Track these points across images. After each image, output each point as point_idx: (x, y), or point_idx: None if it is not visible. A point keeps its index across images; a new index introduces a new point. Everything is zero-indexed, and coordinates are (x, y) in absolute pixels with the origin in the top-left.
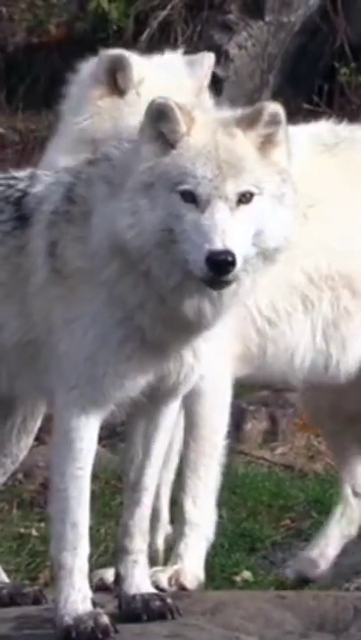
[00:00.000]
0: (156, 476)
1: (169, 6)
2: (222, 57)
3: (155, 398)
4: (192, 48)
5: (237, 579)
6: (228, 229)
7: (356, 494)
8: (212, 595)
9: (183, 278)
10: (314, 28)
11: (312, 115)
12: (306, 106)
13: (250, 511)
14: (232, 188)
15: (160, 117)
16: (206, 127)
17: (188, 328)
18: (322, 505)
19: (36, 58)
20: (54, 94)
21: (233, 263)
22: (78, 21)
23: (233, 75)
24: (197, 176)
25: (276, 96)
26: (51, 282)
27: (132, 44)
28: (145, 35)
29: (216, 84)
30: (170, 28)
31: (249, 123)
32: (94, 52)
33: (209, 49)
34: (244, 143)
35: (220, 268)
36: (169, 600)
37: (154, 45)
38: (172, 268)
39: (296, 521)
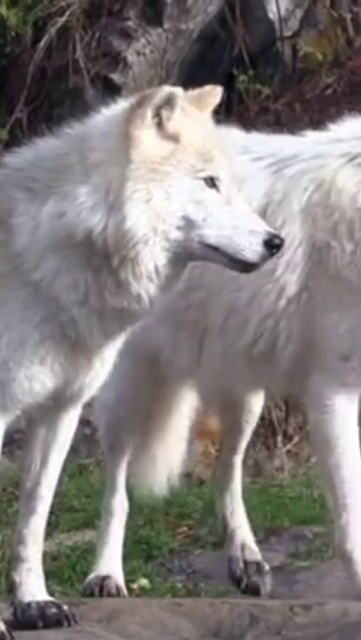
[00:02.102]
0: (53, 485)
1: (67, 12)
2: (120, 63)
3: (57, 405)
4: (91, 55)
5: (134, 586)
6: None
7: None
8: (108, 602)
9: (165, 263)
10: (212, 36)
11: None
12: None
13: (146, 518)
14: (236, 175)
15: (165, 105)
16: (194, 113)
17: (126, 318)
18: None
19: None
20: None
21: (283, 244)
22: None
23: (131, 81)
24: (219, 162)
25: None
26: None
27: (30, 50)
28: (43, 41)
29: (114, 91)
30: (68, 35)
31: (205, 105)
32: None
33: (107, 55)
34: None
35: (278, 248)
36: (65, 607)
37: (52, 51)
38: (159, 253)
39: (193, 528)
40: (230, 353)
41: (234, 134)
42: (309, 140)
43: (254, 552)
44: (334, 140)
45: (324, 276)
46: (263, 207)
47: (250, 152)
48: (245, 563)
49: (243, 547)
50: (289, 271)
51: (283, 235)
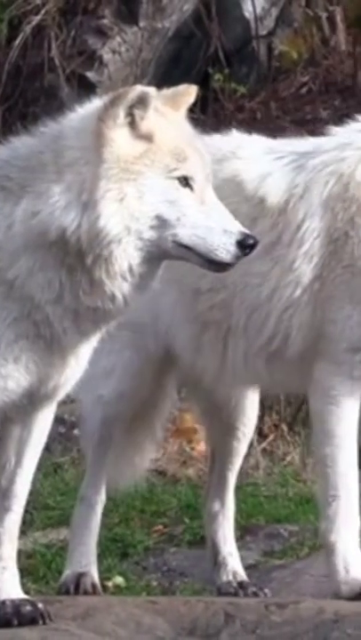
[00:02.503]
0: (28, 483)
1: (43, 11)
2: (96, 62)
3: (32, 403)
4: (66, 53)
5: (109, 584)
6: None
7: None
8: (83, 600)
9: (139, 262)
10: (188, 34)
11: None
12: None
13: (122, 516)
14: (211, 174)
15: (138, 104)
16: (168, 112)
17: (101, 317)
18: (194, 510)
19: None
20: None
21: (257, 244)
22: None
23: (107, 80)
24: (193, 162)
25: None
26: None
27: (5, 48)
28: (18, 39)
29: (89, 89)
30: (43, 33)
31: (180, 104)
32: None
33: (82, 53)
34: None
35: (251, 249)
36: (40, 605)
37: (27, 50)
38: (133, 252)
39: (168, 526)
40: (251, 352)
41: (257, 138)
42: (331, 134)
43: (244, 577)
44: (356, 130)
45: (339, 267)
46: (284, 202)
47: (273, 152)
48: (239, 584)
49: (234, 574)
50: (306, 262)
51: (303, 228)
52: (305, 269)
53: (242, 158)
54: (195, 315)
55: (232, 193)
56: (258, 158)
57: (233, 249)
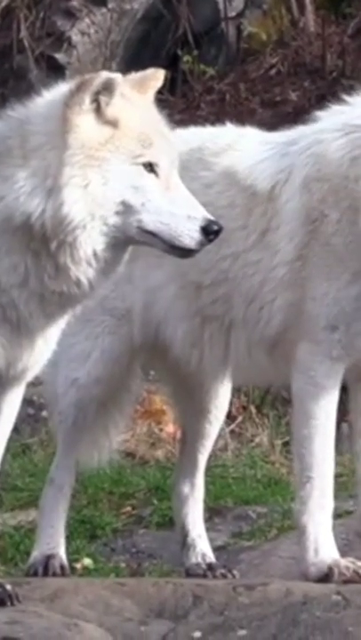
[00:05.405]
0: None
1: None
2: (65, 43)
3: (0, 384)
4: (35, 34)
5: (77, 566)
6: None
7: None
8: (51, 581)
9: (104, 247)
10: (157, 16)
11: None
12: None
13: (90, 498)
14: (177, 160)
15: (103, 90)
16: (134, 98)
17: (67, 301)
18: (163, 492)
19: None
20: None
21: (221, 230)
22: None
23: (75, 61)
24: (158, 148)
25: None
26: None
27: None
28: None
29: (58, 71)
30: (13, 14)
31: (147, 88)
32: None
33: (51, 35)
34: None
35: (215, 235)
36: (8, 587)
37: None
38: (98, 238)
39: (137, 508)
40: (253, 343)
41: (254, 131)
42: (314, 120)
43: (212, 558)
44: (334, 114)
45: (317, 246)
46: (271, 188)
47: (268, 144)
48: (208, 565)
49: (203, 556)
50: (287, 242)
51: (286, 210)
52: (288, 250)
53: (238, 150)
54: (195, 309)
55: (228, 186)
56: (252, 150)
57: (197, 235)
